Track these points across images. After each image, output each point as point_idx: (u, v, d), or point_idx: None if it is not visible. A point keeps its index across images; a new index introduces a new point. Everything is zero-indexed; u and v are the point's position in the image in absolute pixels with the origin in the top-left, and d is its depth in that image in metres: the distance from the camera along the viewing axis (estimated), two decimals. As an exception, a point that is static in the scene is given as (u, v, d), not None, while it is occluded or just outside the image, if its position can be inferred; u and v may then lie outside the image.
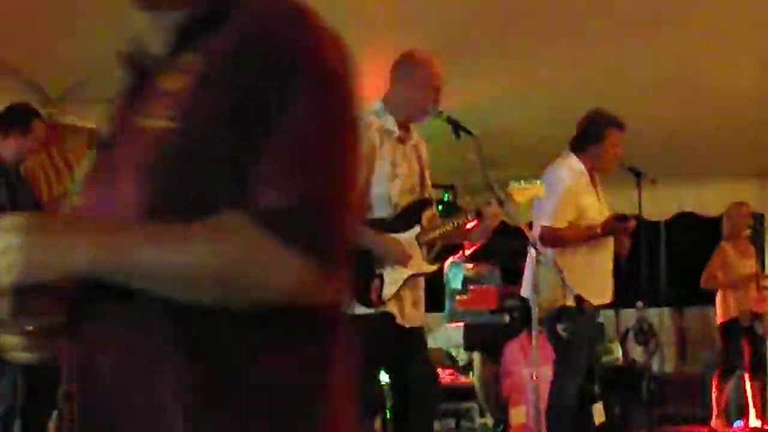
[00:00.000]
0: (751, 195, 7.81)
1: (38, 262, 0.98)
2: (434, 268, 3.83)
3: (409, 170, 3.78)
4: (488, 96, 5.85)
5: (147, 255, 1.00)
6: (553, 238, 4.54)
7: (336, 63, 1.17)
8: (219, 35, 1.13)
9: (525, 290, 4.62)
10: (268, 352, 1.09)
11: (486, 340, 6.41)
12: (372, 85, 4.37)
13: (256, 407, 1.07)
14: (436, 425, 6.09)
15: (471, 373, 6.40)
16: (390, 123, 3.73)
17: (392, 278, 3.62)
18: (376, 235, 3.62)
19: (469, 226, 3.83)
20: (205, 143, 1.05)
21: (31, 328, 1.05)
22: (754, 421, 6.77)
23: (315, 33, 1.19)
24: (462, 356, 6.60)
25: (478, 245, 6.65)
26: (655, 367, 7.06)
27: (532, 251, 3.93)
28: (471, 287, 6.51)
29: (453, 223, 3.81)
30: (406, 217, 3.72)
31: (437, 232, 3.78)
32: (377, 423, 3.76)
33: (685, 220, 8.69)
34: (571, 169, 4.68)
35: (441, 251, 3.84)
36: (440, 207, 3.91)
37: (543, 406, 4.54)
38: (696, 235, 8.67)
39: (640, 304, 6.78)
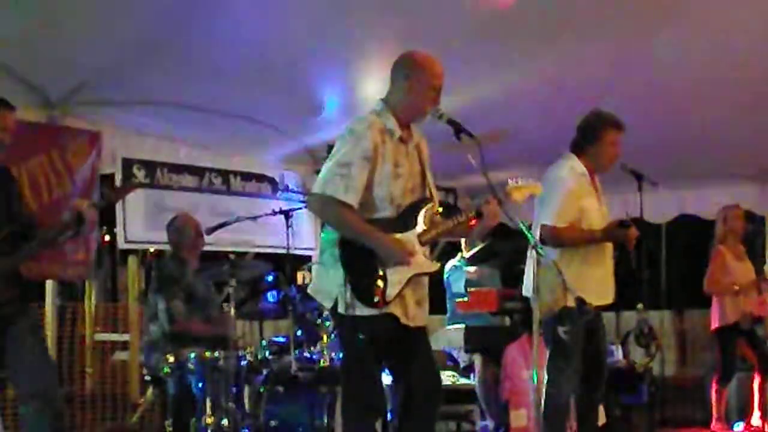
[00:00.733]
0: (752, 197, 7.82)
1: None
2: (437, 266, 3.83)
3: (411, 170, 3.78)
4: (489, 97, 5.85)
5: None
6: (553, 238, 4.55)
7: None
8: None
9: (527, 289, 4.61)
10: None
11: (487, 342, 6.41)
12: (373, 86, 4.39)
13: None
14: (437, 427, 6.09)
15: (472, 376, 6.40)
16: (391, 123, 3.73)
17: (396, 278, 3.62)
18: (380, 235, 3.62)
19: (469, 224, 3.84)
20: None
21: None
22: (756, 421, 6.76)
23: None
24: (463, 358, 6.59)
25: (479, 247, 6.67)
26: (655, 369, 7.06)
27: (532, 253, 3.92)
28: (471, 290, 6.51)
29: (454, 222, 3.81)
30: (408, 216, 3.73)
31: (438, 231, 3.78)
32: (378, 424, 3.75)
33: (685, 223, 8.70)
34: (572, 169, 4.69)
35: (443, 250, 3.85)
36: (441, 209, 3.91)
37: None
38: (697, 238, 8.67)
39: (640, 306, 6.79)
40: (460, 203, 8.21)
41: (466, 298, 6.46)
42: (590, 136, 4.71)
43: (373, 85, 4.76)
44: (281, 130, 6.84)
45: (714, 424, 6.77)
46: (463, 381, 6.28)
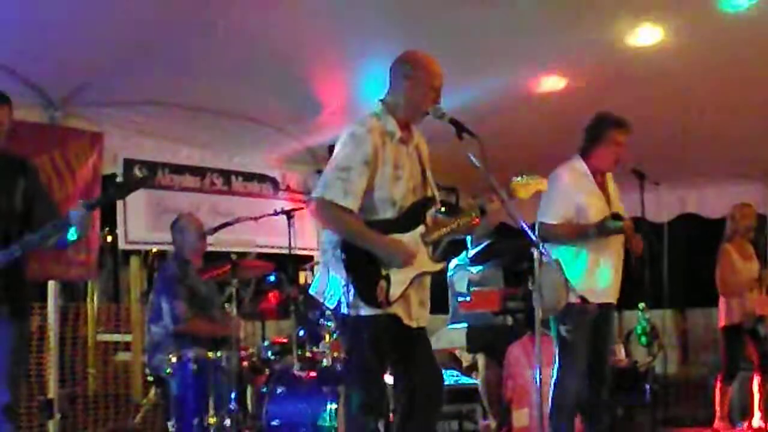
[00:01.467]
0: (754, 197, 7.80)
1: None
2: (440, 266, 3.83)
3: (412, 171, 3.78)
4: (490, 97, 5.85)
5: None
6: (548, 234, 4.68)
7: None
8: None
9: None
10: None
11: (489, 342, 6.41)
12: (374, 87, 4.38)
13: None
14: (439, 427, 6.09)
15: (474, 375, 6.40)
16: (391, 124, 3.73)
17: (399, 279, 3.62)
18: (380, 237, 3.61)
19: (472, 223, 3.84)
20: None
21: None
22: (757, 422, 6.75)
23: None
24: (466, 358, 6.59)
25: (482, 247, 6.66)
26: (658, 368, 7.05)
27: (535, 252, 3.92)
28: (474, 289, 6.50)
29: (456, 221, 3.81)
30: (410, 217, 3.72)
31: (441, 231, 3.78)
32: (380, 424, 3.74)
33: (688, 222, 8.69)
34: (572, 169, 4.81)
35: (446, 250, 3.84)
36: (443, 209, 3.90)
37: (546, 409, 4.54)
38: (699, 237, 8.66)
39: (642, 305, 6.78)
40: (462, 202, 8.20)
41: (468, 298, 6.46)
42: (594, 137, 4.81)
43: (374, 85, 4.75)
44: (282, 130, 6.84)
45: (717, 423, 6.76)
46: (465, 380, 6.28)
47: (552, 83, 5.98)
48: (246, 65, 5.45)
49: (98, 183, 6.05)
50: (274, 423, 5.18)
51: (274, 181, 7.46)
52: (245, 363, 5.32)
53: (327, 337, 5.37)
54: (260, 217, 6.28)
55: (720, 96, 5.95)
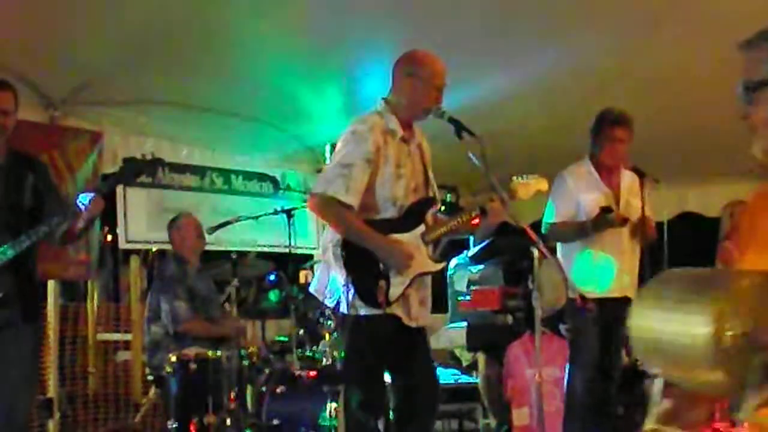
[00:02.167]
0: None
1: None
2: (440, 266, 3.83)
3: (413, 170, 3.78)
4: (491, 96, 5.85)
5: None
6: (549, 233, 4.80)
7: None
8: None
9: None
10: None
11: (489, 340, 6.40)
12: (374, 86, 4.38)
13: None
14: (439, 426, 6.09)
15: (474, 374, 6.39)
16: (393, 123, 3.73)
17: (398, 279, 3.62)
18: (380, 238, 3.61)
19: (473, 222, 3.84)
20: None
21: None
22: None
23: None
24: (466, 357, 6.59)
25: (482, 246, 6.67)
26: (658, 367, 7.04)
27: (535, 251, 3.93)
28: (474, 288, 6.50)
29: (458, 220, 3.81)
30: (411, 216, 3.73)
31: (441, 230, 3.78)
32: (379, 423, 3.75)
33: (688, 220, 8.68)
34: (577, 170, 4.92)
35: (446, 249, 3.84)
36: (443, 208, 3.91)
37: (546, 407, 4.54)
38: (699, 236, 8.65)
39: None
40: (463, 202, 8.20)
41: (468, 297, 6.46)
42: (596, 135, 4.84)
43: (375, 84, 4.75)
44: (282, 129, 6.84)
45: (717, 422, 6.76)
46: (465, 379, 6.27)
47: (553, 82, 5.97)
48: (246, 64, 5.45)
49: (98, 182, 6.05)
50: (274, 422, 5.18)
51: (274, 180, 7.45)
52: (245, 362, 5.32)
53: (327, 336, 5.37)
54: (260, 216, 6.28)
55: (719, 94, 5.93)
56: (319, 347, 5.42)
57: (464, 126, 3.67)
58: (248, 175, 7.30)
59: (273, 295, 6.04)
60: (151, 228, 6.55)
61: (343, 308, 3.58)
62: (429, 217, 3.79)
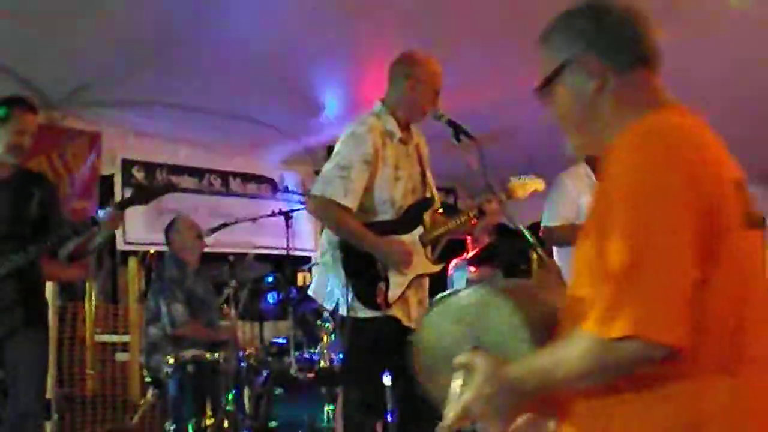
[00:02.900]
0: (755, 199, 7.79)
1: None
2: (439, 267, 3.83)
3: (411, 171, 3.78)
4: (489, 99, 5.84)
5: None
6: (548, 237, 4.72)
7: None
8: None
9: None
10: None
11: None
12: (374, 87, 4.37)
13: None
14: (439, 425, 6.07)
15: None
16: (391, 124, 3.73)
17: (397, 280, 3.62)
18: (378, 239, 3.61)
19: (471, 223, 3.84)
20: None
21: None
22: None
23: None
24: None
25: (481, 248, 6.66)
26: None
27: (533, 253, 3.93)
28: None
29: (456, 221, 3.81)
30: (409, 218, 3.73)
31: (440, 231, 3.78)
32: (378, 425, 3.75)
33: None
34: (574, 173, 4.86)
35: (445, 250, 3.84)
36: (441, 209, 3.91)
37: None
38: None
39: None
40: (461, 203, 8.20)
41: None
42: None
43: (374, 85, 4.75)
44: (281, 131, 6.83)
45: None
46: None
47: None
48: (244, 65, 5.45)
49: (96, 183, 6.05)
50: (272, 424, 5.17)
51: (272, 182, 7.45)
52: (243, 364, 5.31)
53: (325, 338, 5.37)
54: (258, 218, 6.28)
55: (718, 97, 5.94)
56: (317, 349, 5.42)
57: (462, 128, 3.67)
58: (246, 177, 7.30)
59: (271, 297, 6.04)
60: (150, 229, 6.54)
61: (342, 310, 3.58)
62: (427, 218, 3.79)
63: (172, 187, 4.20)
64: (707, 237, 1.45)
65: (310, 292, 3.87)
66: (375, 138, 3.65)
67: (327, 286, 3.68)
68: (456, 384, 1.64)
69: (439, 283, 3.90)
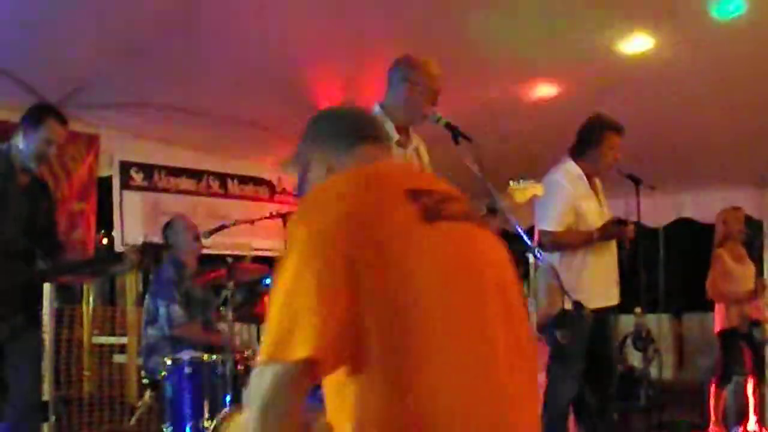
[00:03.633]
0: (750, 202, 7.81)
1: None
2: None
3: (410, 174, 3.78)
4: (487, 102, 5.85)
5: None
6: (552, 243, 4.59)
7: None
8: None
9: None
10: None
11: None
12: (372, 89, 4.38)
13: None
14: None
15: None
16: (389, 128, 3.73)
17: None
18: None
19: None
20: None
21: None
22: (752, 426, 6.75)
23: None
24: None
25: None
26: (653, 373, 7.05)
27: (530, 257, 3.92)
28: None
29: None
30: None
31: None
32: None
33: (683, 227, 8.70)
34: (568, 173, 4.74)
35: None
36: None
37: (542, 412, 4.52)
38: (694, 242, 8.68)
39: (638, 310, 6.78)
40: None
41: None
42: (591, 139, 4.74)
43: (372, 88, 4.75)
44: (279, 133, 6.84)
45: (711, 428, 6.76)
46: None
47: (547, 89, 5.98)
48: (242, 67, 5.45)
49: (94, 185, 6.05)
50: (270, 426, 5.16)
51: (270, 184, 7.45)
52: (240, 366, 5.31)
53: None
54: (256, 220, 6.27)
55: (713, 101, 5.95)
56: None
57: (461, 131, 3.66)
58: (244, 179, 7.30)
59: (268, 299, 6.03)
60: (147, 231, 6.53)
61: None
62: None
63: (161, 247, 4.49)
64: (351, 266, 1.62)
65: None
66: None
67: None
68: None
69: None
